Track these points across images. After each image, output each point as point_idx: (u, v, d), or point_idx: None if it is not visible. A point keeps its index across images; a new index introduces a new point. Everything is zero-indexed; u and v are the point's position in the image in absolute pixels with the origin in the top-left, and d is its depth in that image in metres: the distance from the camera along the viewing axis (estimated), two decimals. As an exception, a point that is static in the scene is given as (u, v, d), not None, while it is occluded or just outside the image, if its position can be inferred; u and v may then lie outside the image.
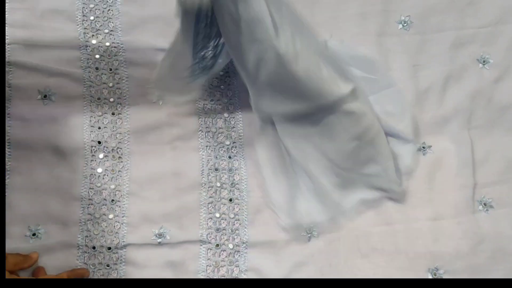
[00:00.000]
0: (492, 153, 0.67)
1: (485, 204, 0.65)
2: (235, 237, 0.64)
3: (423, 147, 0.67)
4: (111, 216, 0.64)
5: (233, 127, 0.67)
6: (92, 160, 0.65)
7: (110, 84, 0.68)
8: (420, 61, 0.69)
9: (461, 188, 0.65)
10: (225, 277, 0.62)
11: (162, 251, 0.63)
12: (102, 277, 0.62)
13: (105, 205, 0.64)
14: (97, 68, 0.68)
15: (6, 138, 0.64)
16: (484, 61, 0.70)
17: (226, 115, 0.68)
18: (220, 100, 0.68)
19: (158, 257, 0.63)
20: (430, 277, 0.62)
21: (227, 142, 0.67)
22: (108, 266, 0.62)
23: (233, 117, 0.68)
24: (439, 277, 0.62)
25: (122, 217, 0.64)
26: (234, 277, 0.62)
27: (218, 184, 0.65)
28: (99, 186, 0.64)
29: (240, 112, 0.68)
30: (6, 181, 0.62)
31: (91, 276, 0.62)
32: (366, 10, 0.70)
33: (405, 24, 0.70)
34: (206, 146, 0.67)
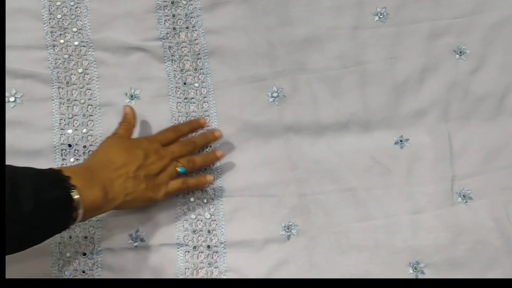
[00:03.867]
0: (470, 144, 0.67)
1: (464, 196, 0.65)
2: (213, 237, 0.63)
3: (400, 140, 0.67)
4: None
5: (208, 126, 0.66)
6: (63, 164, 0.63)
7: (80, 85, 0.66)
8: (396, 54, 0.68)
9: (440, 180, 0.65)
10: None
11: (139, 255, 0.61)
12: (77, 284, 0.60)
13: (78, 210, 0.62)
14: (66, 68, 0.66)
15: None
16: (460, 52, 0.69)
17: (200, 113, 0.66)
18: (194, 98, 0.67)
19: (135, 261, 0.61)
20: (411, 271, 0.62)
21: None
22: (83, 272, 0.61)
23: (208, 116, 0.66)
24: (420, 271, 0.62)
25: (96, 221, 0.62)
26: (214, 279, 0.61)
27: (193, 185, 0.64)
28: (71, 191, 0.62)
29: (214, 111, 0.66)
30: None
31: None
32: (341, 3, 0.69)
33: (381, 16, 0.69)
34: (181, 146, 0.65)
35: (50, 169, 0.51)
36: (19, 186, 0.45)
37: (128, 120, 0.61)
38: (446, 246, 0.63)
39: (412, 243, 0.63)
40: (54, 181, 0.49)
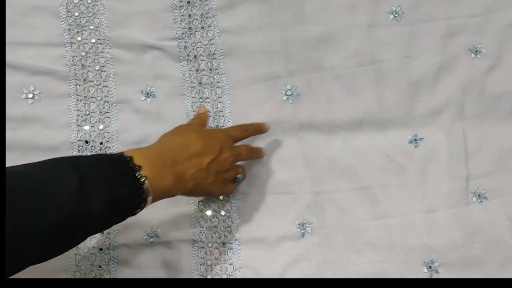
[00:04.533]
0: (485, 144, 0.66)
1: (479, 195, 0.65)
2: (227, 234, 0.63)
3: (415, 139, 0.66)
4: (101, 216, 0.62)
5: (222, 126, 0.66)
6: (80, 160, 0.64)
7: (97, 82, 0.67)
8: (412, 52, 0.68)
9: (455, 179, 0.65)
10: (219, 275, 0.62)
11: (155, 251, 0.62)
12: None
13: (95, 205, 0.63)
14: (83, 66, 0.67)
15: (-8, 139, 0.63)
16: (476, 51, 0.69)
17: (215, 113, 0.67)
18: (209, 98, 0.67)
19: (150, 257, 0.62)
20: (425, 270, 0.62)
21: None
22: (100, 267, 0.61)
23: (222, 116, 0.67)
24: (434, 270, 0.62)
25: (113, 217, 0.63)
26: (228, 275, 0.62)
27: (209, 182, 0.64)
28: (88, 187, 0.63)
29: (229, 111, 0.67)
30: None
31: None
32: (356, 1, 0.69)
33: (397, 15, 0.69)
34: (196, 144, 0.66)
35: (121, 155, 0.47)
36: (88, 181, 0.41)
37: (203, 117, 0.61)
38: (461, 245, 0.63)
39: (426, 242, 0.63)
40: (126, 174, 0.45)
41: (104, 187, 0.43)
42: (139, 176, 0.46)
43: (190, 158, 0.51)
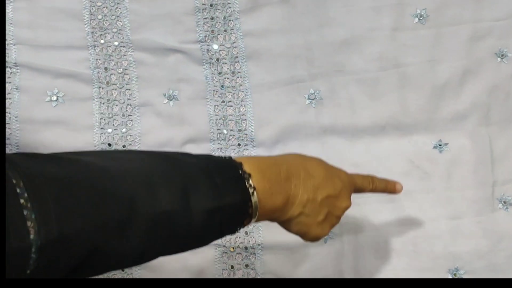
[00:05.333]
0: (511, 149, 0.66)
1: (505, 202, 0.64)
2: (250, 239, 0.63)
3: (439, 145, 0.66)
4: (124, 220, 0.63)
5: (245, 130, 0.66)
6: (104, 163, 0.64)
7: (120, 85, 0.67)
8: (436, 56, 0.67)
9: (480, 186, 0.64)
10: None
11: (178, 255, 0.61)
12: (116, 282, 0.61)
13: (118, 209, 0.63)
14: (106, 69, 0.67)
15: (15, 141, 0.63)
16: (502, 55, 0.68)
17: (238, 117, 0.66)
18: (231, 101, 0.67)
19: (174, 261, 0.62)
20: (450, 278, 0.61)
21: (238, 145, 0.66)
22: (123, 270, 0.62)
23: (245, 120, 0.66)
24: (459, 278, 0.61)
25: (136, 220, 0.63)
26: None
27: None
28: (112, 190, 0.63)
29: (251, 115, 0.66)
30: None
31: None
32: (380, 4, 0.68)
33: (421, 18, 0.68)
34: (218, 149, 0.66)
35: (230, 159, 0.40)
36: (193, 181, 0.35)
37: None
38: (486, 252, 0.62)
39: (451, 249, 0.62)
40: (235, 181, 0.38)
41: (210, 192, 0.36)
42: (249, 185, 0.38)
43: (306, 183, 0.43)
